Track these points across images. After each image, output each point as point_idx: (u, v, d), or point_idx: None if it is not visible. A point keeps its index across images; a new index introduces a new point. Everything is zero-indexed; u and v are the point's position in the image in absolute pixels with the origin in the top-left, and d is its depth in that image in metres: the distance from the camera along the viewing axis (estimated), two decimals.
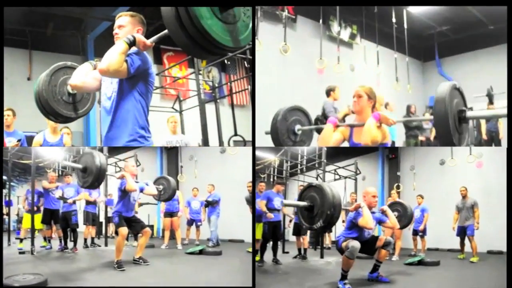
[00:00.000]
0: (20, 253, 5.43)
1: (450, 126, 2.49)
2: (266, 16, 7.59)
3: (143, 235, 4.59)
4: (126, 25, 2.61)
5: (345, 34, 8.68)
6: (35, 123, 5.87)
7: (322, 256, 5.89)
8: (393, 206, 5.28)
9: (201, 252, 5.50)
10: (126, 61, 2.41)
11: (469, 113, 2.63)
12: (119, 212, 4.45)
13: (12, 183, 6.75)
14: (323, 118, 5.83)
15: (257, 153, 7.82)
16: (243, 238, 7.50)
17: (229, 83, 8.47)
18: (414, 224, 6.20)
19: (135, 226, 4.54)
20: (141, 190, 4.65)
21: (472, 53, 11.00)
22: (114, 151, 8.38)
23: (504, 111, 2.59)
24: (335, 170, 7.50)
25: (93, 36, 9.75)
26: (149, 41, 2.47)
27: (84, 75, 2.71)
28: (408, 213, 5.15)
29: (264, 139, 6.16)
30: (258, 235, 5.23)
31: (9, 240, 6.63)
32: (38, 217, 5.90)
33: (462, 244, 6.01)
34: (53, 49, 9.59)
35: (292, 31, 7.54)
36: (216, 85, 9.04)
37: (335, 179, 7.69)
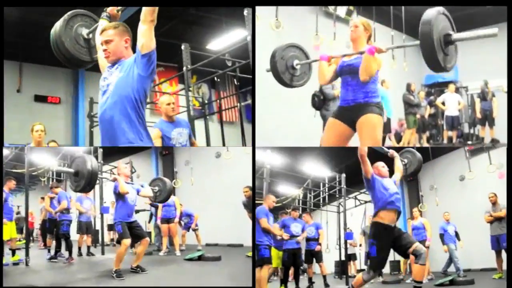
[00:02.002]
0: (14, 264, 5.29)
1: (435, 44, 2.61)
2: None
3: (141, 244, 4.49)
4: (113, 38, 2.52)
5: (341, 10, 8.57)
6: (21, 136, 5.74)
7: (347, 284, 5.88)
8: (405, 153, 4.68)
9: (200, 258, 5.41)
10: None
11: (455, 36, 2.70)
12: (120, 220, 4.34)
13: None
14: (320, 94, 5.79)
15: (280, 189, 7.88)
16: (242, 243, 7.42)
17: (218, 100, 8.40)
18: None
19: (135, 233, 4.43)
20: (137, 193, 4.59)
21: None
22: (109, 157, 8.28)
23: (494, 30, 2.57)
24: (355, 196, 7.58)
25: None
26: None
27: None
28: (417, 160, 4.58)
29: (263, 139, 6.11)
30: (275, 263, 5.17)
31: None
32: (12, 225, 5.62)
33: (499, 258, 5.42)
34: (43, 61, 9.41)
35: (288, 6, 7.45)
36: (206, 101, 9.02)
37: (355, 206, 7.65)
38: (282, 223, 5.36)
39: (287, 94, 7.82)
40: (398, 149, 4.19)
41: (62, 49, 3.04)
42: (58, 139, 6.10)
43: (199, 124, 6.48)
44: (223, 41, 9.23)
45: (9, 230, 5.55)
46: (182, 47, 6.03)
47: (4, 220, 5.47)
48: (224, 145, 5.45)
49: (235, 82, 7.50)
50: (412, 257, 5.28)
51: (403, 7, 7.68)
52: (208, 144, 6.75)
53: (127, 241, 4.26)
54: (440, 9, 2.71)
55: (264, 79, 7.09)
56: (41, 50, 9.13)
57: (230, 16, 8.47)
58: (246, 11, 5.07)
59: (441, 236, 6.03)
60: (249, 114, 10.33)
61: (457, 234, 6.09)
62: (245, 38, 5.16)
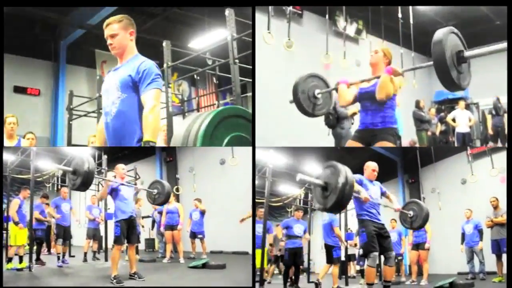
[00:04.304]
0: (18, 270, 5.26)
1: (448, 62, 2.61)
2: (274, 11, 7.54)
3: (129, 249, 4.51)
4: (118, 32, 2.57)
5: (351, 30, 8.69)
6: None
7: (347, 284, 5.95)
8: (409, 205, 4.73)
9: (204, 266, 5.35)
10: None
11: (467, 53, 2.72)
12: (119, 219, 4.33)
13: (11, 198, 6.61)
14: (334, 112, 5.88)
15: (282, 188, 7.84)
16: (247, 250, 7.33)
17: (197, 98, 8.43)
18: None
19: (129, 234, 4.39)
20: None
21: (478, 48, 10.88)
22: (113, 163, 8.26)
23: (503, 45, 2.61)
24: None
25: (66, 43, 9.64)
26: None
27: None
28: (423, 213, 4.55)
29: (263, 140, 6.11)
30: (258, 263, 5.21)
31: (7, 255, 6.43)
32: (24, 232, 5.66)
33: (499, 262, 5.48)
34: (25, 53, 9.38)
35: (298, 26, 7.50)
36: (185, 98, 9.06)
37: None
38: (285, 224, 5.46)
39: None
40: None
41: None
42: (36, 131, 6.10)
43: (177, 121, 6.42)
44: (205, 40, 9.31)
45: (22, 236, 5.59)
46: (164, 44, 6.05)
47: (21, 225, 5.55)
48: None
49: (214, 81, 7.53)
50: (413, 259, 5.93)
51: (411, 25, 7.71)
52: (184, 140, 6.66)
53: (119, 246, 4.28)
54: (451, 28, 2.76)
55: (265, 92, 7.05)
56: (22, 41, 9.11)
57: (212, 16, 8.51)
58: (228, 11, 5.15)
59: (462, 235, 6.08)
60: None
61: (480, 233, 5.94)
62: (225, 38, 5.17)
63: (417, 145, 8.74)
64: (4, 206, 6.74)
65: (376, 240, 3.61)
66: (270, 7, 5.81)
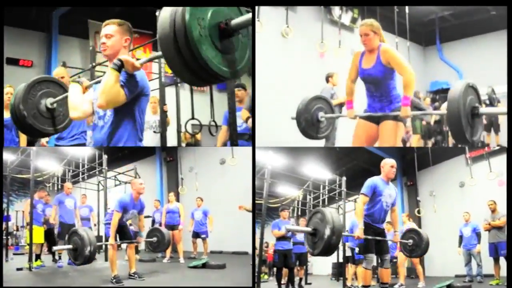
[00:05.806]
0: (17, 269, 5.24)
1: (463, 123, 2.59)
2: None
3: (128, 248, 4.50)
4: (114, 34, 2.51)
5: (346, 18, 8.69)
6: None
7: (344, 286, 5.95)
8: (409, 233, 4.79)
9: (204, 265, 5.35)
10: (121, 86, 2.34)
11: (482, 110, 2.73)
12: (109, 221, 4.34)
13: (10, 198, 6.62)
14: None
15: (280, 189, 7.84)
16: (247, 250, 7.33)
17: None
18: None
19: (122, 234, 4.40)
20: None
21: (473, 38, 10.84)
22: (114, 163, 8.27)
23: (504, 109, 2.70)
24: (355, 199, 7.51)
25: (58, 14, 9.46)
26: (137, 63, 2.35)
27: (81, 104, 2.61)
28: (423, 243, 4.52)
29: (265, 141, 6.11)
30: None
31: (6, 256, 6.42)
32: (40, 230, 5.67)
33: (496, 265, 5.50)
34: (16, 24, 9.08)
35: (293, 14, 7.43)
36: None
37: (355, 209, 7.66)
38: (275, 225, 5.38)
39: (290, 77, 7.81)
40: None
41: (22, 121, 2.83)
42: None
43: (170, 92, 6.41)
44: None
45: (39, 234, 5.61)
46: (157, 13, 6.01)
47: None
48: (192, 111, 5.46)
49: None
50: (401, 261, 5.90)
51: (407, 15, 7.68)
52: (177, 110, 6.58)
53: (113, 246, 4.25)
54: (468, 82, 2.77)
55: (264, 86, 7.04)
56: (13, 12, 8.73)
57: None
58: None
59: (459, 238, 6.06)
60: (219, 84, 10.47)
61: (478, 236, 5.92)
62: None
63: (411, 133, 8.74)
64: (4, 205, 6.76)
65: (373, 242, 3.54)
66: None
